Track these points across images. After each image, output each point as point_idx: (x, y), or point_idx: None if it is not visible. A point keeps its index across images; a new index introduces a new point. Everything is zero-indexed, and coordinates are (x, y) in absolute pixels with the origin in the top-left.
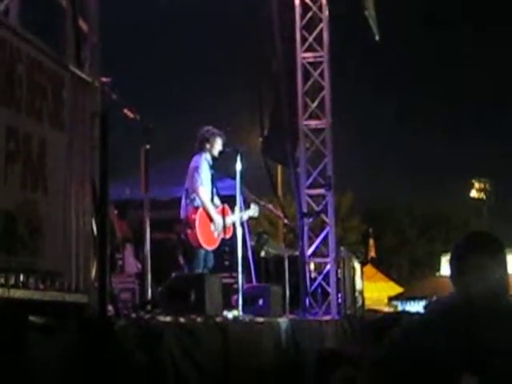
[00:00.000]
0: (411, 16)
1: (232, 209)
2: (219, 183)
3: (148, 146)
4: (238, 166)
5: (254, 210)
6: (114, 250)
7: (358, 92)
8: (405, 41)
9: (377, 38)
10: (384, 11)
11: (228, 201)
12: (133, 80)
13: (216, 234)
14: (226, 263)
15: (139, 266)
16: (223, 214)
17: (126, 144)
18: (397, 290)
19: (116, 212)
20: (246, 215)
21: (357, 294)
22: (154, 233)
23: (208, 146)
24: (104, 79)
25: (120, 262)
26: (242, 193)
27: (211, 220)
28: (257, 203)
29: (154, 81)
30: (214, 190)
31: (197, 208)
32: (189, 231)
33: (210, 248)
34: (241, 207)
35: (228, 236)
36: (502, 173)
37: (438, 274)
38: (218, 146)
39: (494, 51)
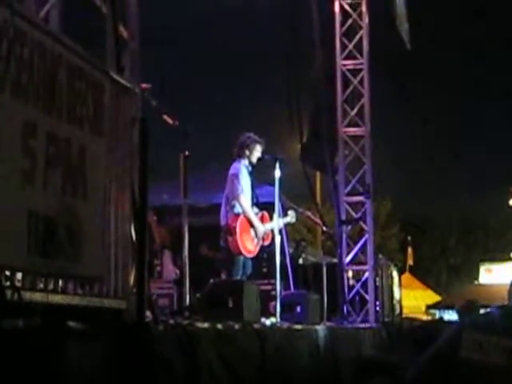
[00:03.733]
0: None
1: (270, 216)
2: (258, 190)
3: (187, 152)
4: (277, 174)
5: (291, 217)
6: (152, 256)
7: (398, 99)
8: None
9: (408, 46)
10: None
11: (266, 208)
12: (172, 86)
13: (256, 242)
14: (265, 270)
15: (177, 272)
16: (262, 221)
17: (166, 150)
18: (435, 298)
19: (155, 218)
20: (283, 222)
21: (395, 301)
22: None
23: (247, 152)
24: (144, 85)
25: (158, 268)
26: (280, 200)
27: (252, 227)
28: (295, 210)
29: (194, 87)
30: (254, 197)
31: (237, 215)
32: (229, 238)
33: (249, 255)
34: (279, 214)
35: (267, 243)
36: None
37: (476, 282)
38: (257, 152)
39: None
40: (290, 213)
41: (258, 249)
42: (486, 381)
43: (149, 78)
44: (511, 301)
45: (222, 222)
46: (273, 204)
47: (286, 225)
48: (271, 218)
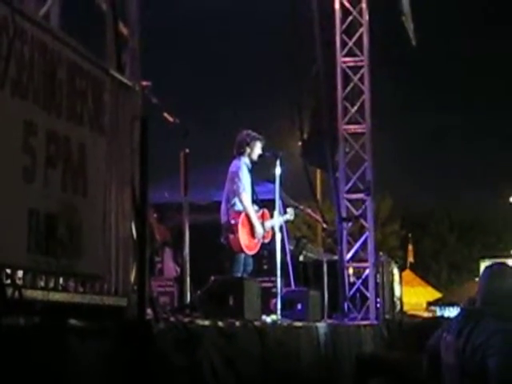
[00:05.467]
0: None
1: (270, 213)
2: (259, 187)
3: (187, 150)
4: (278, 171)
5: (290, 214)
6: (153, 254)
7: (399, 96)
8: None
9: (413, 43)
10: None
11: (267, 205)
12: (173, 84)
13: (257, 239)
14: (265, 267)
15: (178, 269)
16: (263, 218)
17: (166, 147)
18: (435, 295)
19: (155, 215)
20: (283, 219)
21: (395, 298)
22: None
23: (248, 150)
24: (144, 83)
25: (159, 266)
26: (280, 197)
27: (253, 225)
28: (295, 207)
29: (194, 85)
30: (254, 195)
31: (238, 213)
32: (231, 236)
33: (250, 253)
34: (280, 212)
35: (267, 240)
36: None
37: (476, 278)
38: (257, 150)
39: None
40: (289, 210)
41: (258, 246)
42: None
43: (149, 76)
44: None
45: (223, 220)
46: (273, 201)
47: (285, 222)
48: (271, 216)
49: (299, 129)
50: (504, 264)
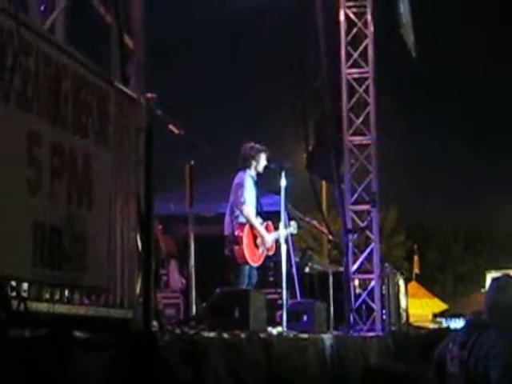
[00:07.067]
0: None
1: (276, 225)
2: (264, 199)
3: (193, 162)
4: (283, 183)
5: (293, 227)
6: (158, 266)
7: (407, 108)
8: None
9: (413, 55)
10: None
11: (272, 217)
12: (178, 96)
13: (261, 251)
14: (271, 279)
15: (183, 281)
16: (267, 231)
17: (171, 159)
18: (441, 306)
19: (160, 227)
20: (286, 232)
21: (401, 310)
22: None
23: (253, 162)
24: (149, 95)
25: (164, 278)
26: (286, 209)
27: (257, 237)
28: (300, 219)
29: (200, 97)
30: (258, 207)
31: (243, 224)
32: (235, 247)
33: (255, 264)
34: (285, 224)
35: (271, 253)
36: None
37: (482, 290)
38: (262, 162)
39: None
40: (293, 223)
41: (263, 258)
42: None
43: (155, 88)
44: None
45: (227, 232)
46: (278, 213)
47: (290, 235)
48: (276, 228)
49: (304, 140)
50: (510, 276)
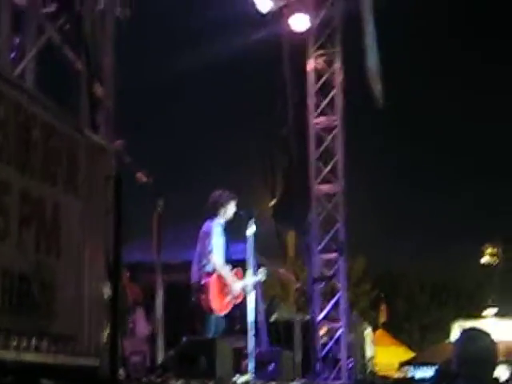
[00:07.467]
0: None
1: (244, 273)
2: (233, 247)
3: (160, 210)
4: (251, 231)
5: (262, 274)
6: (125, 313)
7: (372, 155)
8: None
9: (380, 104)
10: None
11: (241, 265)
12: (146, 144)
13: (228, 300)
14: (238, 327)
15: (150, 329)
16: (237, 277)
17: (139, 207)
18: (408, 355)
19: (128, 274)
20: (254, 280)
21: (367, 359)
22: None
23: (222, 209)
24: (117, 142)
25: (131, 325)
26: (254, 257)
27: (224, 285)
28: (267, 267)
29: (167, 145)
30: (227, 254)
31: (210, 273)
32: (202, 296)
33: (221, 313)
34: (254, 271)
35: (239, 301)
36: None
37: (448, 340)
38: (231, 209)
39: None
40: (261, 270)
41: (230, 307)
42: None
43: (125, 136)
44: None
45: (194, 280)
46: (246, 261)
47: (258, 283)
48: (245, 276)
49: (271, 189)
50: (479, 329)
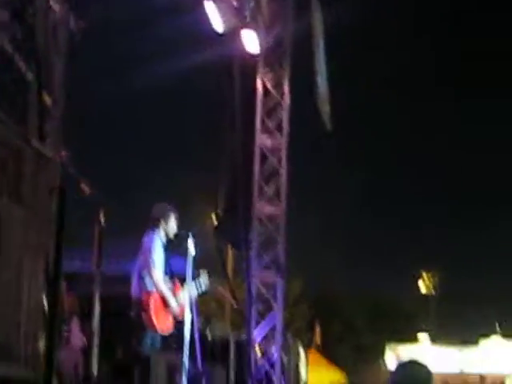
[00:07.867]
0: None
1: (183, 285)
2: (172, 260)
3: (102, 221)
4: (190, 248)
5: (203, 279)
6: (61, 324)
7: (315, 178)
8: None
9: (328, 127)
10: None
11: (180, 280)
12: (90, 156)
13: (171, 320)
14: (173, 344)
15: (84, 339)
16: (175, 291)
17: (80, 217)
18: (341, 376)
19: (64, 284)
20: (191, 296)
21: (301, 380)
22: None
23: (162, 222)
24: (62, 153)
25: (66, 335)
26: (193, 274)
27: (166, 305)
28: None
29: (113, 158)
30: (167, 268)
31: (150, 292)
32: (143, 313)
33: (164, 332)
34: (194, 289)
35: (180, 318)
36: (452, 264)
37: (381, 362)
38: (171, 222)
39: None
40: (203, 277)
41: (172, 325)
42: None
43: (71, 147)
44: None
45: (134, 295)
46: (185, 277)
47: (200, 294)
48: (183, 287)
49: (214, 205)
50: (415, 360)
